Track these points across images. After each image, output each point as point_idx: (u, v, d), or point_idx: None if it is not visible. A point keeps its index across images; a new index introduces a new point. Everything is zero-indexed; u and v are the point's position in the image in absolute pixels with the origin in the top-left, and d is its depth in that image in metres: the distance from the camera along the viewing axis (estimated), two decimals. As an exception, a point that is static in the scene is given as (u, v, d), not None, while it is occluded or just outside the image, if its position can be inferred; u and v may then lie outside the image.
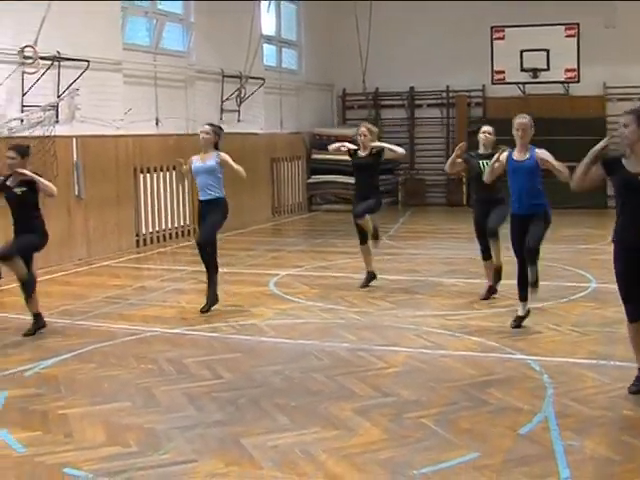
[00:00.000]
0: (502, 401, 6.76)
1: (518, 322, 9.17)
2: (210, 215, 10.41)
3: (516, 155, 9.15)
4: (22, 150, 9.44)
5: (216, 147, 10.56)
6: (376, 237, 12.05)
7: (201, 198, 10.55)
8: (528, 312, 9.22)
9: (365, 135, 11.61)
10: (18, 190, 9.25)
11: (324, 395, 7.00)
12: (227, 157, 10.42)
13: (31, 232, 9.40)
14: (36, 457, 5.71)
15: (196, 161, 10.56)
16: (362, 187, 11.88)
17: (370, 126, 11.92)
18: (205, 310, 10.26)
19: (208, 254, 10.38)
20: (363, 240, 11.98)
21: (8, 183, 9.36)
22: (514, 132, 9.11)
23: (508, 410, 6.54)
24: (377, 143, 11.70)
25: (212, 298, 10.39)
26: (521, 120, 9.15)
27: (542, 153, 9.11)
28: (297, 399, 6.90)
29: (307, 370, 7.75)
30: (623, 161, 6.84)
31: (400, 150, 11.83)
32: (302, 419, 6.39)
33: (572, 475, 5.26)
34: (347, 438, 5.97)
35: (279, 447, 5.81)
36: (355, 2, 22.22)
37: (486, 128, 10.72)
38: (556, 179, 9.06)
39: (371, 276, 12.00)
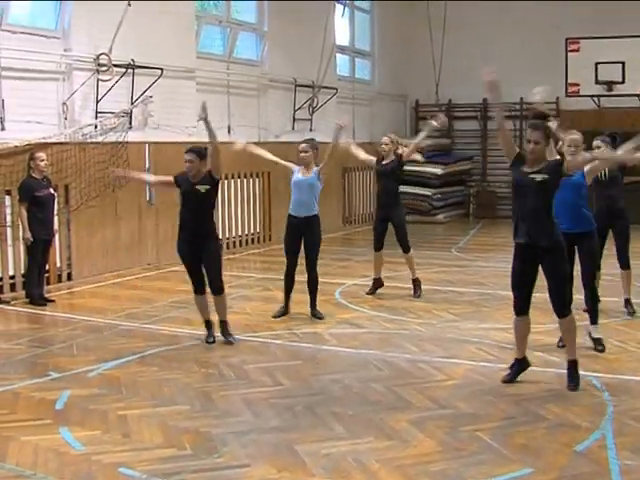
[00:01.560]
0: (560, 417, 6.69)
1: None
2: (307, 234, 10.40)
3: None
4: (200, 152, 9.43)
5: (316, 163, 10.61)
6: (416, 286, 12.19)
7: (295, 214, 10.45)
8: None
9: (386, 144, 11.91)
10: (202, 188, 9.24)
11: (381, 405, 7.01)
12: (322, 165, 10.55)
13: (209, 237, 9.40)
14: (93, 456, 5.83)
15: (297, 173, 10.57)
16: (383, 195, 12.02)
17: (392, 136, 12.18)
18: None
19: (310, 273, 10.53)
20: (378, 247, 12.05)
21: (189, 178, 9.33)
22: (565, 148, 8.94)
23: (565, 426, 6.47)
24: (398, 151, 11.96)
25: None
26: (574, 137, 9.04)
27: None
28: (354, 408, 6.91)
29: (366, 380, 7.76)
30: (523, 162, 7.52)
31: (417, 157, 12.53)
32: (357, 428, 6.41)
33: (626, 494, 5.20)
34: (401, 449, 5.97)
35: (332, 455, 5.84)
36: (429, 12, 22.21)
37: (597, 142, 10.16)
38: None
39: (379, 283, 12.19)
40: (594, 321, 9.08)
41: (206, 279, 9.32)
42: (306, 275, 10.52)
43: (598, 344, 8.94)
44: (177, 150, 15.20)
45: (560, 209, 8.58)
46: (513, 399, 7.18)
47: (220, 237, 16.49)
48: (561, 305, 7.59)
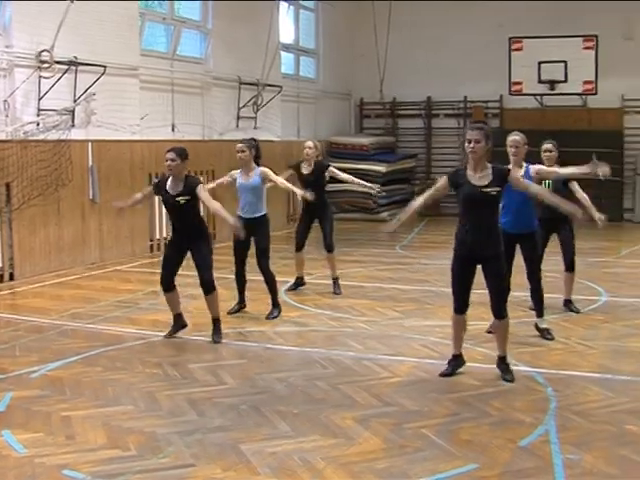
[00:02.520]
0: (504, 413, 6.76)
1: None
2: (257, 234, 10.45)
3: None
4: (181, 152, 9.27)
5: (257, 162, 10.61)
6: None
7: (244, 216, 10.39)
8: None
9: (310, 148, 12.04)
10: (181, 199, 9.07)
11: (326, 403, 7.02)
12: (269, 172, 10.56)
13: (199, 239, 9.28)
14: (36, 458, 5.77)
15: (240, 178, 10.56)
16: (308, 202, 11.81)
17: (316, 142, 12.33)
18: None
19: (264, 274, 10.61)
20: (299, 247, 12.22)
21: (168, 188, 9.19)
22: (508, 149, 9.12)
23: (509, 422, 6.54)
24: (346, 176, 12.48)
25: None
26: (514, 137, 9.17)
27: (535, 168, 9.20)
28: (299, 406, 6.92)
29: (311, 378, 7.77)
30: (468, 175, 7.54)
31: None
32: (302, 427, 6.41)
33: (569, 489, 5.27)
34: (346, 447, 5.98)
35: (277, 454, 5.83)
36: (374, 12, 22.29)
37: (546, 146, 10.36)
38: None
39: (300, 282, 12.39)
40: (540, 315, 9.25)
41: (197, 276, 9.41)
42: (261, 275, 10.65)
43: (547, 333, 9.25)
44: (120, 148, 15.17)
45: (506, 210, 8.75)
46: (457, 396, 7.23)
47: (165, 236, 16.54)
48: (500, 308, 7.72)
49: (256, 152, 10.59)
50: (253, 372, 7.99)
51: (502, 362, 7.84)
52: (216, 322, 9.38)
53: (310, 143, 12.12)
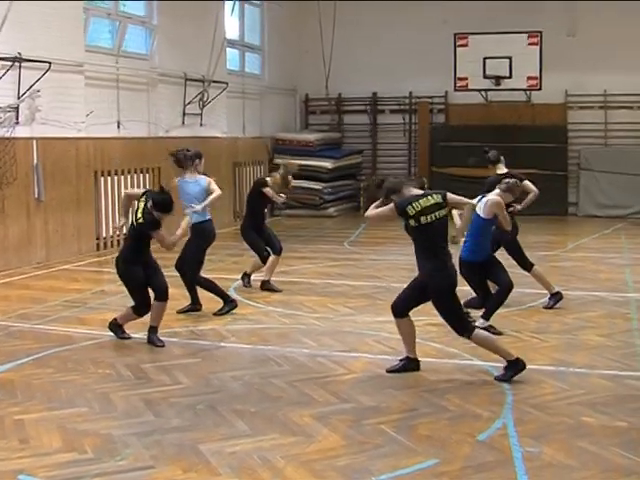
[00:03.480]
0: (461, 407, 6.77)
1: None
2: (188, 242, 10.42)
3: None
4: None
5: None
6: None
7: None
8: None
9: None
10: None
11: (283, 401, 6.98)
12: (214, 185, 10.35)
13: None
14: (-10, 463, 5.64)
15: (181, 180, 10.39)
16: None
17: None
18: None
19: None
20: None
21: None
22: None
23: (467, 416, 6.56)
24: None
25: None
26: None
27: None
28: (256, 405, 6.87)
29: (266, 376, 7.72)
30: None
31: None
32: (261, 425, 6.37)
33: (530, 482, 5.29)
34: (305, 444, 5.95)
35: (237, 453, 5.79)
36: (319, 8, 22.26)
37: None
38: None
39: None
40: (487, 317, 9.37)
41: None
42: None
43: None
44: (66, 146, 14.97)
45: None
46: (414, 391, 7.24)
47: (118, 233, 16.36)
48: (461, 329, 7.67)
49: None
50: (208, 371, 7.92)
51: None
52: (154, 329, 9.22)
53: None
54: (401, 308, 7.85)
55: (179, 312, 10.40)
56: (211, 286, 10.48)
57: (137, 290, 9.08)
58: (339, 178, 23.46)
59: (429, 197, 7.59)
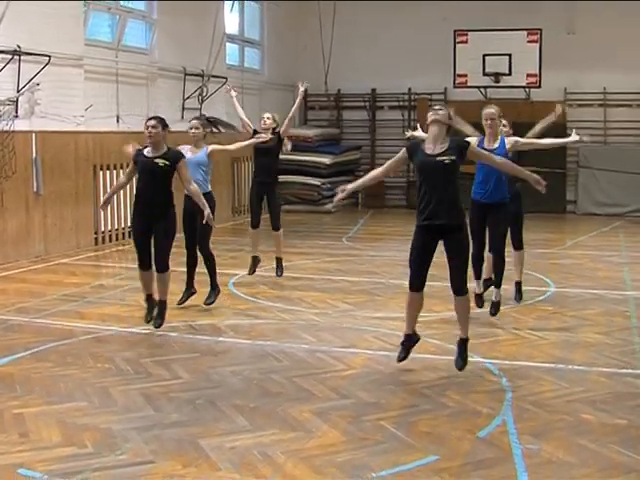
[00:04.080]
0: (461, 404, 6.78)
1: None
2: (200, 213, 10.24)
3: (486, 144, 9.32)
4: (162, 120, 9.41)
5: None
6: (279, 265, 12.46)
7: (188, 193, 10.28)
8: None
9: (268, 118, 12.29)
10: (160, 162, 9.16)
11: (282, 397, 6.98)
12: (216, 146, 10.58)
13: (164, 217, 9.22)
14: (-11, 457, 5.64)
15: (186, 152, 10.25)
16: (262, 172, 12.34)
17: (275, 115, 12.49)
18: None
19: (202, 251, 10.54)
20: (255, 224, 12.27)
21: (146, 154, 9.33)
22: (483, 122, 9.49)
23: (467, 413, 6.56)
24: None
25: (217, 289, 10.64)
26: (489, 110, 9.55)
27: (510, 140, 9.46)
28: (255, 400, 6.87)
29: (266, 371, 7.72)
30: (425, 147, 7.56)
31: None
32: (260, 420, 6.36)
33: (530, 479, 5.29)
34: (305, 440, 5.95)
35: (237, 448, 5.78)
36: (319, 3, 22.23)
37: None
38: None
39: (257, 260, 12.34)
40: (498, 284, 9.60)
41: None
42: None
43: (493, 307, 9.58)
44: (65, 139, 14.95)
45: (478, 180, 8.98)
46: (414, 387, 7.24)
47: (116, 227, 16.37)
48: (461, 283, 7.67)
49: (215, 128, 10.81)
50: (207, 366, 7.91)
51: (461, 344, 7.73)
52: (162, 304, 9.32)
53: (268, 114, 12.32)
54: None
55: (179, 304, 10.38)
56: (213, 266, 10.53)
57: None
58: (338, 174, 23.43)
59: None
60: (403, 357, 7.81)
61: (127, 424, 6.27)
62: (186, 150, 10.31)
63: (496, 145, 9.37)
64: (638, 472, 5.44)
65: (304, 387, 7.22)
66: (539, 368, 7.81)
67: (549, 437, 6.00)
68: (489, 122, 9.41)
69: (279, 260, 12.39)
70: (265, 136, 11.60)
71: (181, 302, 10.45)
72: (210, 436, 6.00)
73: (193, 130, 10.49)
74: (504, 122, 10.22)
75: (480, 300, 9.74)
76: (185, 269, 10.56)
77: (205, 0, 18.95)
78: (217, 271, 10.63)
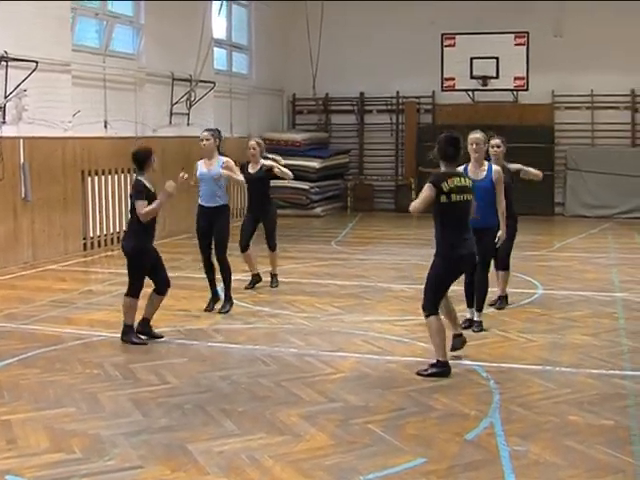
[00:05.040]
0: (449, 407, 6.79)
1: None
2: (216, 224, 10.56)
3: (471, 171, 9.18)
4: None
5: (219, 152, 10.66)
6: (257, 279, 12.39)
7: (205, 205, 10.59)
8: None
9: (254, 148, 11.95)
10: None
11: (271, 401, 6.99)
12: (231, 163, 10.59)
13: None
14: (-23, 464, 5.63)
15: (201, 167, 10.56)
16: (254, 200, 12.20)
17: (259, 140, 12.28)
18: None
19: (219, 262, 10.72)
20: (245, 247, 12.19)
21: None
22: (469, 147, 9.18)
23: (455, 416, 6.57)
24: (268, 162, 12.10)
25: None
26: (475, 135, 9.24)
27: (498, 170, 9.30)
28: (244, 404, 6.87)
29: (254, 375, 7.73)
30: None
31: (289, 175, 12.14)
32: (248, 425, 6.37)
33: (517, 480, 5.31)
34: (293, 444, 5.96)
35: (225, 453, 5.78)
36: (306, 8, 22.25)
37: (495, 141, 10.03)
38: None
39: (258, 279, 12.29)
40: (480, 308, 9.48)
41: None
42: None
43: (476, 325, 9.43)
44: (53, 145, 14.94)
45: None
46: (401, 390, 7.25)
47: (105, 233, 16.35)
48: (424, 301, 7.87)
49: (219, 142, 10.74)
50: (196, 371, 7.92)
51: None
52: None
53: (253, 142, 12.09)
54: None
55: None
56: (229, 275, 10.70)
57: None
58: (326, 178, 23.48)
59: (462, 178, 7.92)
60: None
61: (115, 429, 6.26)
62: (200, 164, 10.40)
63: (483, 175, 9.24)
64: (625, 473, 5.47)
65: (292, 391, 7.23)
66: (527, 370, 7.83)
67: (536, 438, 6.02)
68: (474, 147, 9.22)
69: (274, 275, 12.40)
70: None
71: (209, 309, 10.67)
72: (198, 441, 6.00)
73: (204, 142, 10.52)
74: (497, 141, 10.01)
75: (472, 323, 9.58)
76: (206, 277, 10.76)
77: (193, 0, 18.91)
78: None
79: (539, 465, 5.57)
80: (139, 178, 8.96)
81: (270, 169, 11.98)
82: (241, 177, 10.93)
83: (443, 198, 7.70)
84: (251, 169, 11.97)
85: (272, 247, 12.33)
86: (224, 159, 10.56)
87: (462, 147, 8.10)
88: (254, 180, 11.87)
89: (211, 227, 10.48)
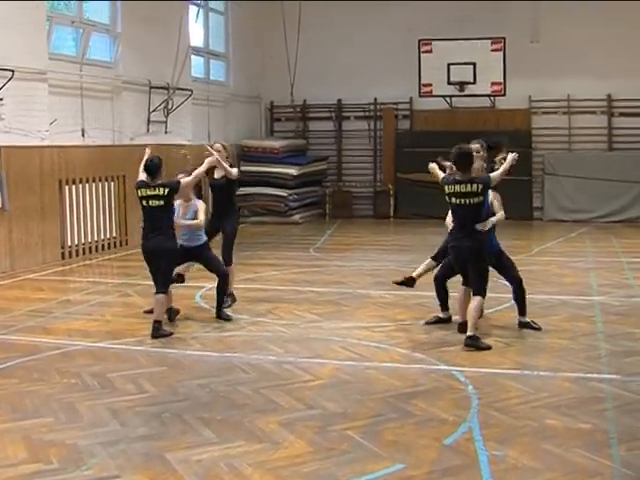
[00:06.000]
0: (427, 412, 6.80)
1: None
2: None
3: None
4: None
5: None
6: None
7: (185, 244, 10.48)
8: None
9: (218, 151, 11.18)
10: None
11: (249, 408, 6.97)
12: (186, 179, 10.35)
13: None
14: (-46, 475, 5.60)
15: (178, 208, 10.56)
16: (217, 207, 11.57)
17: (224, 144, 11.63)
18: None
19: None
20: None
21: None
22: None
23: (433, 421, 6.58)
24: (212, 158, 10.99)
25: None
26: (471, 146, 9.57)
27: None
28: (222, 412, 6.86)
29: (233, 383, 7.71)
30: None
31: (230, 172, 11.27)
32: (227, 433, 6.36)
33: (495, 485, 5.33)
34: (272, 451, 5.95)
35: (204, 461, 5.77)
36: (284, 16, 22.28)
37: (474, 146, 9.80)
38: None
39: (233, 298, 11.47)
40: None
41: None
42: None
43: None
44: (30, 154, 14.87)
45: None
46: (380, 396, 7.25)
47: (83, 242, 16.29)
48: None
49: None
50: (174, 379, 7.89)
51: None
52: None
53: (218, 145, 11.42)
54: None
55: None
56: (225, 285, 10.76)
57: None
58: (304, 185, 23.48)
59: (469, 185, 8.95)
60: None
61: (93, 439, 6.24)
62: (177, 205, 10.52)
63: None
64: (603, 475, 5.49)
65: (271, 398, 7.22)
66: (505, 375, 7.85)
67: (514, 443, 6.04)
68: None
69: (229, 295, 11.28)
70: (211, 158, 10.78)
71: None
72: (177, 449, 5.99)
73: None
74: (477, 146, 9.82)
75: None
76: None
77: (169, 0, 18.94)
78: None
79: (517, 469, 5.59)
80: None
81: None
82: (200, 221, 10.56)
83: (447, 198, 9.10)
84: (216, 174, 11.39)
85: (227, 261, 11.13)
86: (199, 204, 10.56)
87: (472, 157, 9.08)
88: (218, 186, 11.41)
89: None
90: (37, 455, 5.93)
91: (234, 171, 11.14)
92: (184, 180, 10.06)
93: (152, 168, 9.91)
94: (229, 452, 5.94)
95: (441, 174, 9.41)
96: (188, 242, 10.43)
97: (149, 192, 9.80)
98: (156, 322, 9.64)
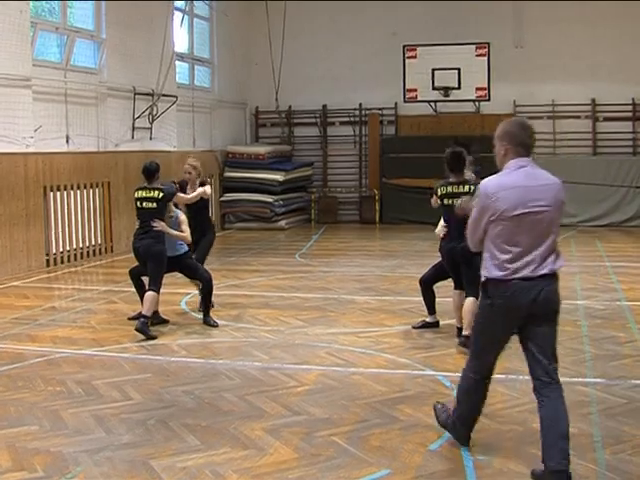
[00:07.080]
0: (413, 417, 6.80)
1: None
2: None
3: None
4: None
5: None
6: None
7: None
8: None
9: (190, 172, 11.19)
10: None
11: (234, 415, 6.96)
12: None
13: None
14: (-62, 484, 5.57)
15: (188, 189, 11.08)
16: (193, 222, 11.06)
17: (195, 163, 11.37)
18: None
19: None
20: None
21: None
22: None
23: (419, 426, 6.58)
24: (201, 189, 11.17)
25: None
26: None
27: None
28: (207, 419, 6.84)
29: (218, 390, 7.70)
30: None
31: (207, 192, 11.26)
32: (212, 439, 6.34)
33: (481, 490, 5.33)
34: (257, 458, 5.94)
35: (189, 468, 5.76)
36: (268, 21, 22.29)
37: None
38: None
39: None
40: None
41: None
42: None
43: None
44: (14, 161, 14.83)
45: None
46: (365, 402, 7.25)
47: (68, 249, 16.25)
48: None
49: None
50: (159, 386, 7.87)
51: None
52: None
53: (188, 167, 11.25)
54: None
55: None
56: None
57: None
58: (290, 190, 23.51)
59: (461, 186, 9.16)
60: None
61: (78, 447, 6.22)
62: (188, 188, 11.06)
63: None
64: (588, 479, 5.50)
65: (256, 405, 7.21)
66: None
67: (500, 448, 6.06)
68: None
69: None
70: (202, 190, 11.09)
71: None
72: (162, 456, 5.97)
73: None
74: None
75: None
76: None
77: (154, 0, 18.92)
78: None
79: (503, 474, 5.60)
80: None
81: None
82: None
83: (440, 201, 9.28)
84: (190, 190, 11.21)
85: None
86: (181, 216, 10.65)
87: (463, 159, 9.26)
88: (192, 203, 11.20)
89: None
90: (22, 463, 5.90)
91: (207, 190, 11.19)
92: (182, 195, 10.67)
93: (149, 172, 10.24)
94: (214, 459, 5.93)
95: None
96: (169, 252, 10.39)
97: (144, 194, 10.16)
98: (143, 316, 9.84)
